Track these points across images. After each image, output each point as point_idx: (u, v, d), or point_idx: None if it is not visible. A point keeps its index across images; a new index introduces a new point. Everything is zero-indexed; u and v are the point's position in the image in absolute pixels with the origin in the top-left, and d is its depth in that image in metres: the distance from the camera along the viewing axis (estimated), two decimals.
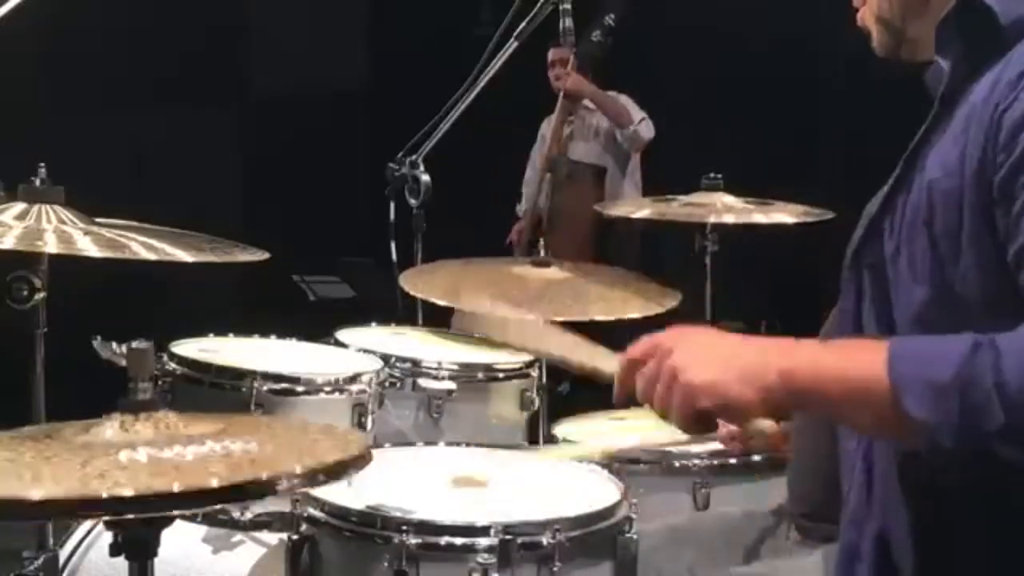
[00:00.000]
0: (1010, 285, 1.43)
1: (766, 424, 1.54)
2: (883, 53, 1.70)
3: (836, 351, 1.49)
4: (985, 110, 1.48)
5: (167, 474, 1.40)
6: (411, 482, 2.08)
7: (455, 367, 2.75)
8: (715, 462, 2.43)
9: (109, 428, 1.54)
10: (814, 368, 1.46)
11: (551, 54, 5.52)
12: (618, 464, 2.29)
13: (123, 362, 1.67)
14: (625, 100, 5.54)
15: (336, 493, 1.89)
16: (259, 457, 1.48)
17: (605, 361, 1.72)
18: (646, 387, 1.53)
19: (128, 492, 1.34)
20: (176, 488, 1.36)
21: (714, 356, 1.50)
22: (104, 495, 1.33)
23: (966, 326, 1.42)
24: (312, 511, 1.93)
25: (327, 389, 2.47)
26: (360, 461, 1.54)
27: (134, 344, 1.58)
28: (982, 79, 1.51)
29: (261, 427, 1.67)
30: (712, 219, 3.13)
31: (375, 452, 2.14)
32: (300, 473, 1.43)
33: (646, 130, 5.49)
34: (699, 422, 1.50)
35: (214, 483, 1.38)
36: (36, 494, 1.33)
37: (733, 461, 2.42)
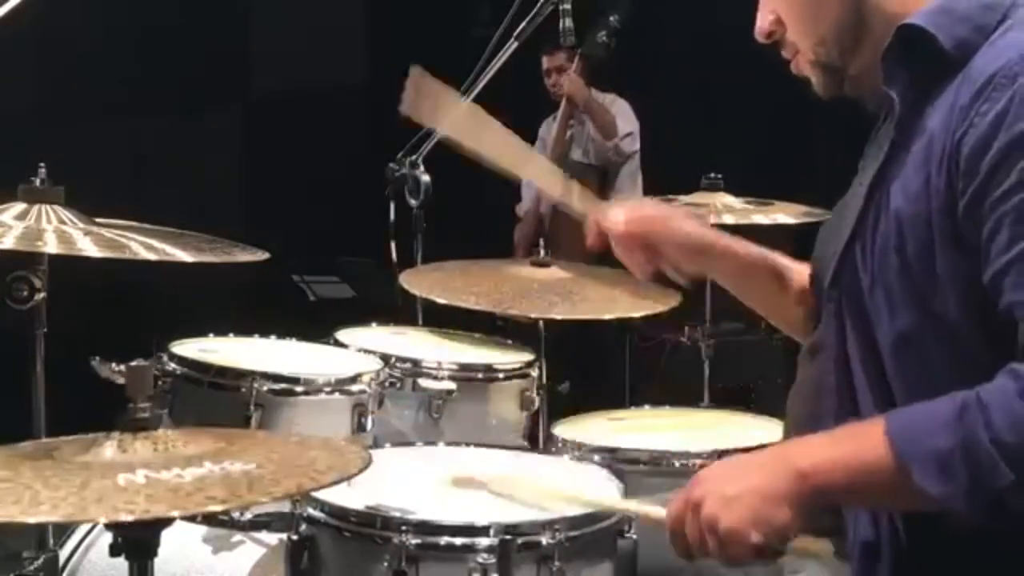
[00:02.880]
0: (992, 307, 1.44)
1: (819, 547, 1.61)
2: (827, 95, 1.71)
3: (839, 441, 1.51)
4: (944, 137, 1.49)
5: (164, 499, 1.41)
6: (411, 482, 2.08)
7: (455, 367, 2.75)
8: (715, 462, 2.42)
9: (108, 448, 1.54)
10: (825, 463, 1.48)
11: (545, 61, 5.51)
12: (618, 464, 2.30)
13: (121, 380, 1.67)
14: (620, 108, 5.53)
15: (336, 493, 1.89)
16: (257, 479, 1.49)
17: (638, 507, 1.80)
18: (696, 548, 1.54)
19: (125, 518, 1.36)
20: (174, 515, 1.38)
21: (737, 491, 1.51)
22: (102, 521, 1.34)
23: (958, 349, 1.44)
24: (312, 511, 1.93)
25: (327, 389, 2.47)
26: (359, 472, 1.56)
27: (132, 363, 1.59)
28: (936, 104, 1.52)
29: (259, 445, 1.67)
30: (712, 219, 3.12)
31: (375, 452, 2.14)
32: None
33: (628, 145, 5.53)
34: (761, 556, 1.52)
35: (211, 508, 1.41)
36: (34, 519, 1.33)
37: None
